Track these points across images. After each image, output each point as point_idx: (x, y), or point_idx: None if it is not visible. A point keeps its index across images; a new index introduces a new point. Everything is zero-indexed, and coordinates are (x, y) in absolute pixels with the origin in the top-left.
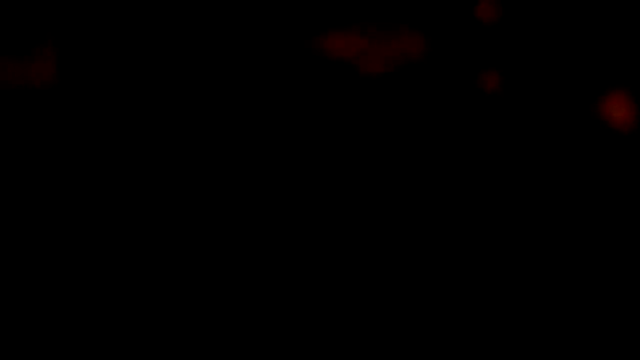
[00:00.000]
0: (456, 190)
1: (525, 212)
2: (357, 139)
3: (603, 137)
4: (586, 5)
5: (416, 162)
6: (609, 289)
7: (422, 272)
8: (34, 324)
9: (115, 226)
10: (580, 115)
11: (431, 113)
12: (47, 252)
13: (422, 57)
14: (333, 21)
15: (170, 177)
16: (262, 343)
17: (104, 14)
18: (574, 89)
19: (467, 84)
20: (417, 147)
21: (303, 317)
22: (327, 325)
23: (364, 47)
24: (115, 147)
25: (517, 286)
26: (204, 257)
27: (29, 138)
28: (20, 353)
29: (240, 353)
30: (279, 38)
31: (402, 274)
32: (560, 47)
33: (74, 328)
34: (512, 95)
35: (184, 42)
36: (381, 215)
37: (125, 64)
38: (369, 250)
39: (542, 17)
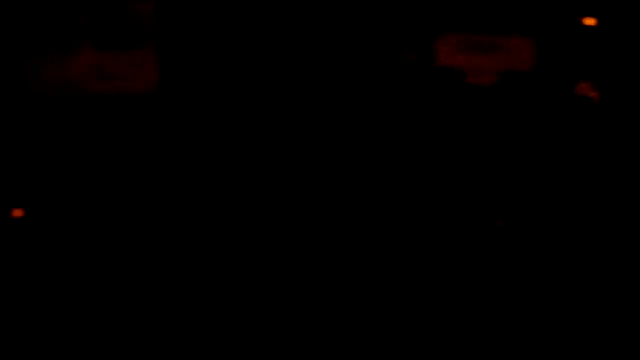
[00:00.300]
0: (561, 190)
1: (626, 214)
2: (462, 145)
3: None
4: None
5: (519, 168)
6: None
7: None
8: (35, 323)
9: (217, 220)
10: None
11: (535, 121)
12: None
13: (528, 67)
14: (442, 29)
15: (269, 178)
16: (262, 342)
17: (205, 21)
18: None
19: (571, 92)
20: (521, 153)
21: (303, 317)
22: (326, 324)
23: (471, 56)
24: (209, 149)
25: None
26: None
27: (131, 141)
28: (20, 353)
29: (240, 353)
30: (388, 44)
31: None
32: None
33: (76, 327)
34: (611, 103)
35: (288, 47)
36: (497, 211)
37: (224, 70)
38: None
39: None
